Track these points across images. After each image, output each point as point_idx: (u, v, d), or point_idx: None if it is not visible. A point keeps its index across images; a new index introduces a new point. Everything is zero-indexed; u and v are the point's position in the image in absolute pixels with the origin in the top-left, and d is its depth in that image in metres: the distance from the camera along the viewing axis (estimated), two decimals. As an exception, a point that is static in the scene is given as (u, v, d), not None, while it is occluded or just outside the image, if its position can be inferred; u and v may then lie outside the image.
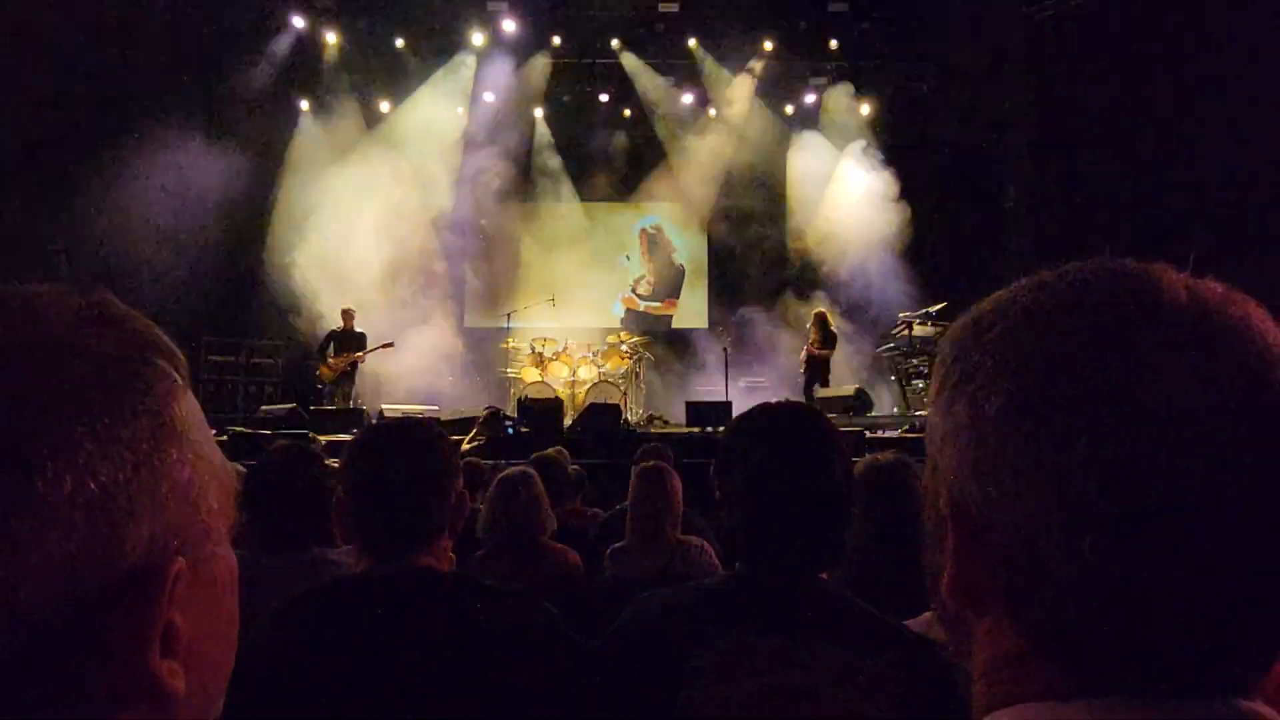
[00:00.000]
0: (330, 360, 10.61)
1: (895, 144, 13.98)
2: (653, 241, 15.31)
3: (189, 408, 0.47)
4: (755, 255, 14.28)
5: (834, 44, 13.41)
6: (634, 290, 15.16)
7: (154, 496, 0.43)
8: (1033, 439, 0.49)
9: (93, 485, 0.39)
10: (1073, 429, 0.47)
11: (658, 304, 15.19)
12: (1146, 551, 0.46)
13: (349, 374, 10.59)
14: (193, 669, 0.45)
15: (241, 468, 2.54)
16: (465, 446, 7.89)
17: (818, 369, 10.93)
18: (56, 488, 0.38)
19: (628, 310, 15.01)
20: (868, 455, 2.38)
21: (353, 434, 6.74)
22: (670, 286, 15.21)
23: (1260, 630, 0.49)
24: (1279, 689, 1.25)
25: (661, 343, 14.21)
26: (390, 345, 10.90)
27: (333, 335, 10.74)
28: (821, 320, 11.01)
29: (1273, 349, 0.49)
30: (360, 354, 10.64)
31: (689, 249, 15.21)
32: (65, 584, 0.39)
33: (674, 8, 13.06)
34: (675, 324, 14.90)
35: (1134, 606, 0.47)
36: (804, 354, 11.10)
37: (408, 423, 1.65)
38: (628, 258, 14.94)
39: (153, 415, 0.44)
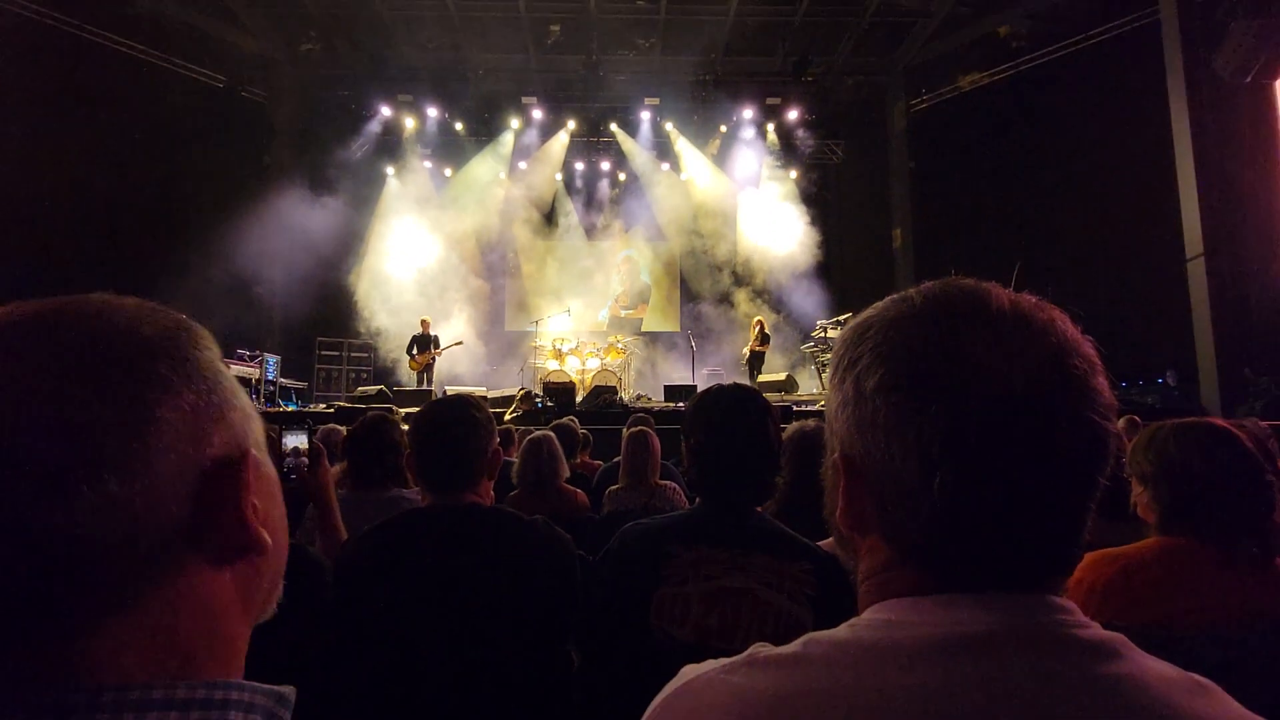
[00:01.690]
0: (416, 357, 10.54)
1: (814, 198, 13.97)
2: (631, 266, 15.29)
3: (226, 369, 0.47)
4: (712, 277, 14.26)
5: (770, 127, 13.39)
6: (616, 301, 15.10)
7: (223, 413, 0.44)
8: (898, 408, 0.50)
9: (185, 404, 0.41)
10: (926, 400, 0.48)
11: (633, 310, 15.17)
12: (978, 487, 0.47)
13: (430, 366, 10.54)
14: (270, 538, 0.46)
15: (344, 430, 2.55)
16: (508, 417, 7.88)
17: (757, 361, 10.94)
18: (166, 407, 0.40)
19: (612, 316, 14.97)
20: (795, 422, 2.37)
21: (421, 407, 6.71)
22: (640, 298, 15.24)
23: (1061, 543, 0.50)
24: (1087, 590, 1.24)
25: (647, 342, 14.21)
26: (460, 343, 10.84)
27: (415, 339, 10.67)
28: (760, 326, 11.02)
29: (1070, 342, 0.50)
30: (439, 350, 10.58)
31: (665, 272, 15.16)
32: (183, 463, 0.41)
33: (656, 102, 13.10)
34: (654, 328, 14.83)
35: (971, 527, 0.48)
36: (747, 351, 11.07)
37: (457, 399, 1.63)
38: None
39: (206, 365, 0.44)
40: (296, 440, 1.79)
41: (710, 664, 0.53)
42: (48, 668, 0.36)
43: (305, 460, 1.79)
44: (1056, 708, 0.43)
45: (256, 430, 0.48)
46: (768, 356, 11.27)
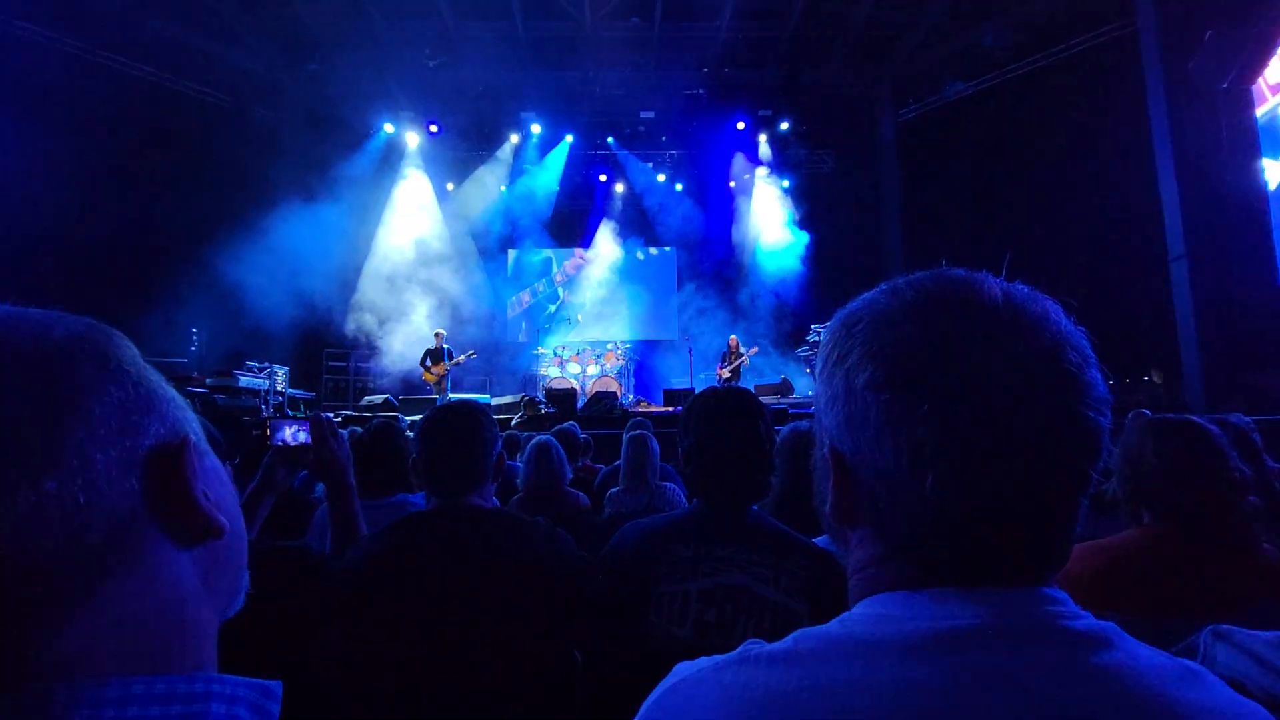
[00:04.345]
0: (431, 368, 10.51)
1: (807, 206, 13.98)
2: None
3: (146, 364, 0.47)
4: (709, 284, 14.26)
5: (762, 138, 13.42)
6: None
7: (152, 404, 0.44)
8: (889, 404, 0.48)
9: (112, 399, 0.41)
10: (916, 397, 0.47)
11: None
12: (970, 484, 0.46)
13: (444, 376, 10.52)
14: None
15: (346, 434, 2.54)
16: (513, 423, 7.87)
17: (735, 373, 10.77)
18: (92, 403, 0.40)
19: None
20: (790, 423, 2.36)
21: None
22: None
23: (1051, 537, 0.49)
24: (1076, 582, 1.24)
25: (646, 348, 14.20)
26: (474, 354, 10.80)
27: (428, 351, 10.64)
28: (734, 344, 10.89)
29: (1064, 336, 0.49)
30: (454, 361, 10.55)
31: (663, 279, 15.14)
32: (121, 454, 0.40)
33: (651, 115, 13.14)
34: (653, 335, 14.80)
35: (963, 522, 0.47)
36: (727, 373, 10.67)
37: (462, 405, 1.62)
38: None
39: (126, 360, 0.44)
40: (295, 427, 1.71)
41: (703, 661, 0.52)
42: (18, 670, 0.35)
43: (306, 438, 1.67)
44: (1050, 698, 0.42)
45: (193, 421, 0.48)
46: (767, 359, 11.24)
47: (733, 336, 11.16)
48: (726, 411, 1.49)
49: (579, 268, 14.87)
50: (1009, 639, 0.44)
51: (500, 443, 1.62)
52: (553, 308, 14.53)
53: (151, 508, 0.41)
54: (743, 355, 10.73)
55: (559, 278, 14.94)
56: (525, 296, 14.89)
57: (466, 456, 1.53)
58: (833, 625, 0.50)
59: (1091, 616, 0.47)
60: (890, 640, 0.46)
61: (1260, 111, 8.49)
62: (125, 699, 0.36)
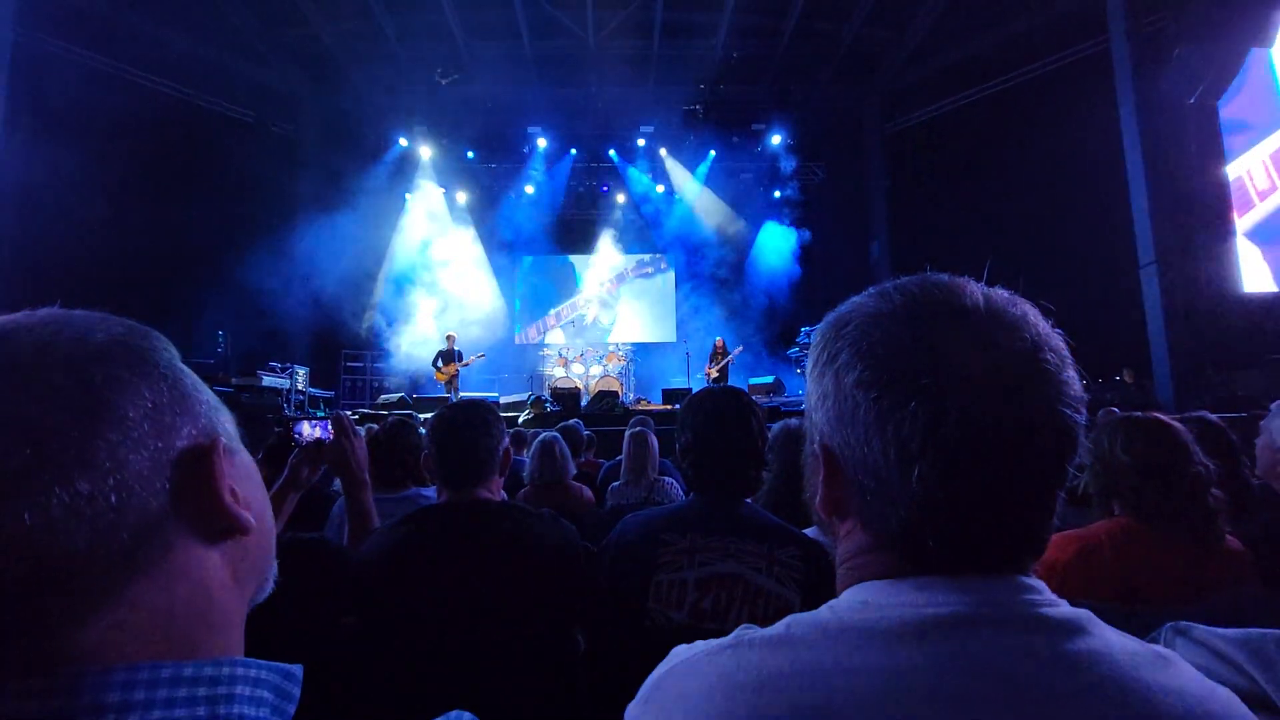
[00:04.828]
0: (443, 369, 10.49)
1: (797, 215, 13.98)
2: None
3: (184, 367, 0.46)
4: (705, 288, 14.26)
5: (756, 151, 13.42)
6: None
7: (186, 406, 0.44)
8: (877, 402, 0.48)
9: (146, 401, 0.41)
10: (903, 396, 0.47)
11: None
12: (955, 478, 0.46)
13: (455, 376, 10.49)
14: (253, 520, 0.46)
15: (362, 430, 2.53)
16: (520, 420, 7.86)
17: (723, 372, 10.74)
18: (128, 406, 0.40)
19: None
20: (782, 421, 2.36)
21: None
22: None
23: (1032, 527, 0.49)
24: (1049, 570, 1.24)
25: (647, 350, 14.19)
26: (483, 356, 10.75)
27: (440, 353, 10.62)
28: (720, 345, 10.87)
29: (1042, 337, 0.49)
30: (465, 362, 10.51)
31: (663, 285, 15.13)
32: (153, 456, 0.40)
33: (650, 129, 13.12)
34: (654, 338, 14.79)
35: (945, 514, 0.47)
36: (714, 371, 10.66)
37: (470, 403, 1.61)
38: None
39: (163, 364, 0.44)
40: (316, 425, 1.70)
41: (699, 645, 0.52)
42: (50, 657, 0.36)
43: (324, 437, 1.67)
44: (1028, 683, 0.42)
45: (225, 421, 0.48)
46: (759, 358, 11.21)
47: (719, 338, 11.15)
48: (721, 410, 1.49)
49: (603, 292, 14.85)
50: (989, 626, 0.45)
51: (506, 439, 1.62)
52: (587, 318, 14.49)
53: (180, 507, 0.41)
54: (729, 355, 10.72)
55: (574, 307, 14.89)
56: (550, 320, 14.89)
57: (474, 452, 1.53)
58: (823, 611, 0.50)
59: (1067, 604, 0.47)
60: (877, 626, 0.46)
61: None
62: (155, 681, 0.36)
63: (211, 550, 0.43)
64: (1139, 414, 1.37)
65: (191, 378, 0.46)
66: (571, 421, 4.92)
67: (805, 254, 13.69)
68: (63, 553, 0.35)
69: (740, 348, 11.01)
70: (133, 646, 0.38)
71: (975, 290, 0.51)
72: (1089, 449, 1.38)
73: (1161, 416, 1.34)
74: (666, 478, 3.28)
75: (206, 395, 0.46)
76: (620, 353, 12.41)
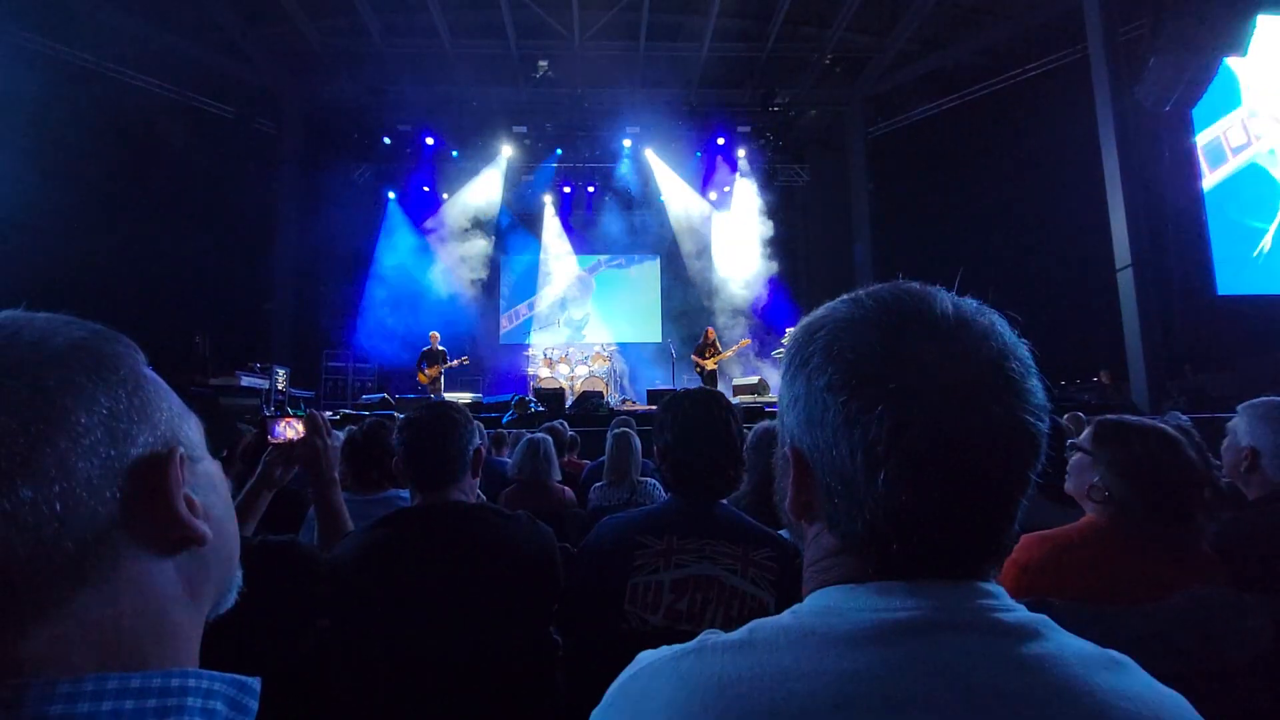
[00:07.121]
0: (426, 370, 10.40)
1: (781, 217, 14.04)
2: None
3: (152, 375, 0.45)
4: (690, 289, 14.30)
5: (741, 152, 13.48)
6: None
7: (145, 414, 0.42)
8: (845, 405, 0.48)
9: (102, 408, 0.40)
10: (871, 401, 0.47)
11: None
12: (919, 483, 0.46)
13: (439, 377, 10.40)
14: (211, 530, 0.44)
15: (341, 434, 2.50)
16: (505, 420, 7.82)
17: (712, 375, 10.73)
18: (81, 412, 0.38)
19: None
20: (764, 421, 2.36)
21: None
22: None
23: (992, 533, 0.49)
24: (1023, 569, 1.25)
25: (632, 351, 14.20)
26: (466, 360, 10.66)
27: (424, 353, 10.54)
28: (710, 335, 10.84)
29: (1008, 346, 0.49)
30: (449, 364, 10.42)
31: (647, 286, 15.14)
32: (105, 464, 0.39)
33: (636, 131, 13.13)
34: (638, 339, 14.78)
35: (910, 519, 0.47)
36: (710, 363, 10.53)
37: (438, 404, 1.60)
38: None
39: (125, 369, 0.42)
40: (289, 423, 1.67)
41: (664, 650, 0.52)
42: None
43: (296, 433, 1.64)
44: (983, 687, 0.43)
45: (190, 429, 0.47)
46: (742, 361, 11.22)
47: (709, 328, 11.14)
48: (698, 412, 1.49)
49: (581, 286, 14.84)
50: (947, 630, 0.45)
51: (478, 439, 1.61)
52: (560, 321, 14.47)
53: (131, 517, 0.40)
54: (723, 349, 10.71)
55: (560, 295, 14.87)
56: (523, 309, 14.85)
57: (443, 453, 1.52)
58: (785, 616, 0.50)
59: (1024, 609, 0.48)
60: (836, 631, 0.46)
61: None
62: (100, 693, 0.35)
63: (164, 561, 0.42)
64: (1113, 417, 1.39)
65: (155, 384, 0.44)
66: (556, 422, 4.91)
67: (788, 255, 13.76)
68: (2, 561, 0.34)
69: (747, 340, 10.98)
70: (78, 658, 0.36)
71: (945, 299, 0.52)
72: (1067, 449, 1.40)
73: (1132, 419, 1.36)
74: (650, 479, 3.28)
75: (170, 403, 0.45)
76: (606, 353, 12.39)
